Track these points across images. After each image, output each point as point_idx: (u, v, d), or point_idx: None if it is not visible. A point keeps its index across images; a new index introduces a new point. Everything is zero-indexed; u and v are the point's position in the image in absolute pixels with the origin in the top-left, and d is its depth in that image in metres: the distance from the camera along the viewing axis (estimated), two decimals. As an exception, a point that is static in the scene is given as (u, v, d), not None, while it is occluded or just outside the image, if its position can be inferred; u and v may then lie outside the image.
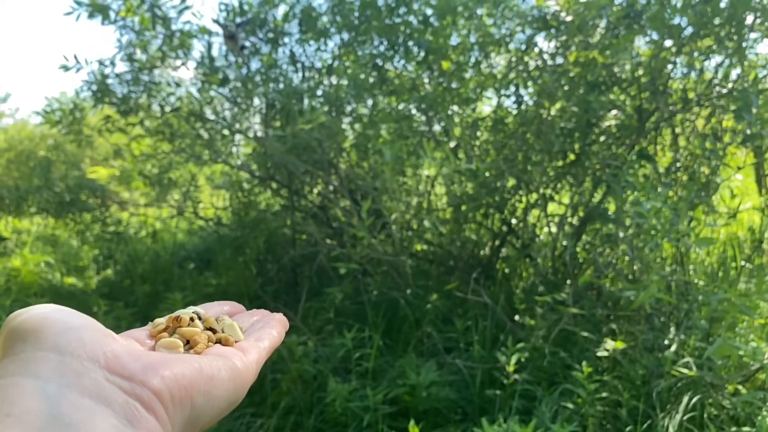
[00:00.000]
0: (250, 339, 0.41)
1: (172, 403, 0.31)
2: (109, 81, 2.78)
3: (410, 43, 2.62)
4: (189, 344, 0.38)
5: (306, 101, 2.65)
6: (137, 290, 3.36)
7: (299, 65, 2.81)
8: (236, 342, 0.40)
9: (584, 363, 1.81)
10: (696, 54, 2.22)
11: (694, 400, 1.73)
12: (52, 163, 3.74)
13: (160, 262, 3.67)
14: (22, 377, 0.28)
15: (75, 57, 2.59)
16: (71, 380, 0.28)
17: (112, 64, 2.75)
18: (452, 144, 2.60)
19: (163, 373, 0.31)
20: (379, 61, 2.66)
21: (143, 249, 3.94)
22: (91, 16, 2.43)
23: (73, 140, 3.21)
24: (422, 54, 2.58)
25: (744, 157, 2.35)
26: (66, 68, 2.57)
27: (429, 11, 2.55)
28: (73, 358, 0.29)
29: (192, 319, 0.40)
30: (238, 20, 2.61)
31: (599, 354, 1.94)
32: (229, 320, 0.42)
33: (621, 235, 2.05)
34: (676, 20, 2.08)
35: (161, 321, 0.40)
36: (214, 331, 0.40)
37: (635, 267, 2.30)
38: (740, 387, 1.78)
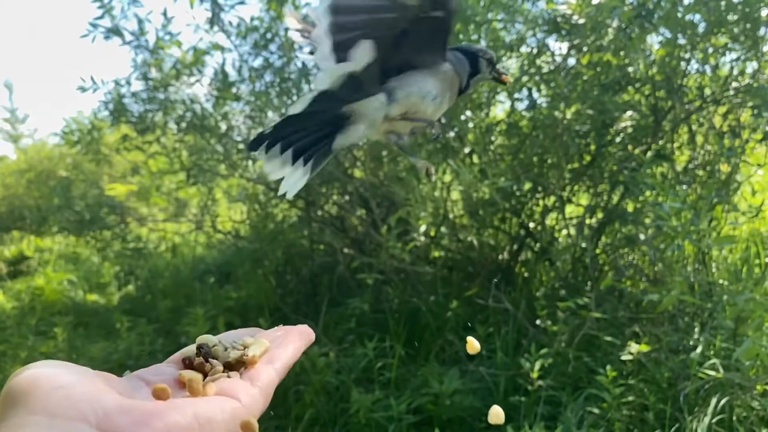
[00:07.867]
0: (262, 362, 0.40)
1: None
2: (126, 100, 2.82)
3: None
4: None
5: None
6: (159, 305, 3.39)
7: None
8: (252, 364, 0.39)
9: (608, 367, 1.79)
10: (711, 50, 2.19)
11: (723, 402, 1.70)
12: (72, 182, 3.80)
13: (181, 277, 3.70)
14: None
15: (92, 78, 2.63)
16: None
17: (128, 83, 2.79)
18: (467, 150, 2.59)
19: (155, 426, 0.30)
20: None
21: (163, 264, 3.98)
22: (107, 37, 2.47)
23: (92, 159, 3.26)
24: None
25: (765, 152, 2.31)
26: (83, 89, 2.61)
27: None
28: (63, 420, 0.29)
29: (198, 354, 0.40)
30: None
31: (623, 357, 1.92)
32: (250, 340, 0.42)
33: (641, 237, 2.03)
34: (689, 17, 2.06)
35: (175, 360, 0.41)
36: (228, 363, 0.40)
37: (656, 268, 2.28)
38: (769, 388, 1.75)
